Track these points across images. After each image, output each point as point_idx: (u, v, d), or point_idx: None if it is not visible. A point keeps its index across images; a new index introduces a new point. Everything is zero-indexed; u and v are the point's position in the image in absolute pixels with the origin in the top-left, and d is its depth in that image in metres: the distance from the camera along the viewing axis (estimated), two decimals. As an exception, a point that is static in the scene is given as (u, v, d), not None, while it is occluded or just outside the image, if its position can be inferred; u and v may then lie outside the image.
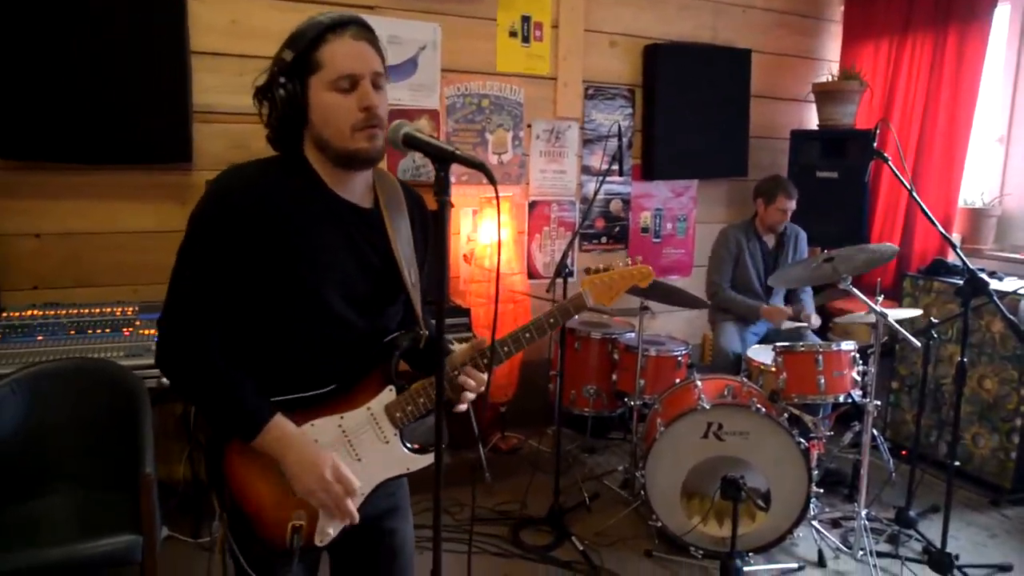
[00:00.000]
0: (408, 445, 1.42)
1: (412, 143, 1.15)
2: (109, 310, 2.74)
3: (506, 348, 1.43)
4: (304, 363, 1.34)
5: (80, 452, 2.25)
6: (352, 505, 1.31)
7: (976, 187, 3.93)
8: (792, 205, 3.52)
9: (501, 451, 3.61)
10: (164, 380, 2.47)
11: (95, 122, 2.79)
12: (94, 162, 2.86)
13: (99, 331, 2.64)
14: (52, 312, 2.67)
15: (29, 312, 2.66)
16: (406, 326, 1.47)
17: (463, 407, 1.42)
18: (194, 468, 2.97)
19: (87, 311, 2.71)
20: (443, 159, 1.08)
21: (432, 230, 1.50)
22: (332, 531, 1.36)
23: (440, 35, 3.44)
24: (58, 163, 2.81)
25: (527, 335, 1.44)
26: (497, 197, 1.07)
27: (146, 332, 2.68)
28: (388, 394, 1.39)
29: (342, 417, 1.36)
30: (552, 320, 1.46)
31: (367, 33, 1.28)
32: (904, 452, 3.59)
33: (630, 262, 1.53)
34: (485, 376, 1.41)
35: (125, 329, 2.68)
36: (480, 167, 1.07)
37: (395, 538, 1.53)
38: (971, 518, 3.13)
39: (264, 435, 1.27)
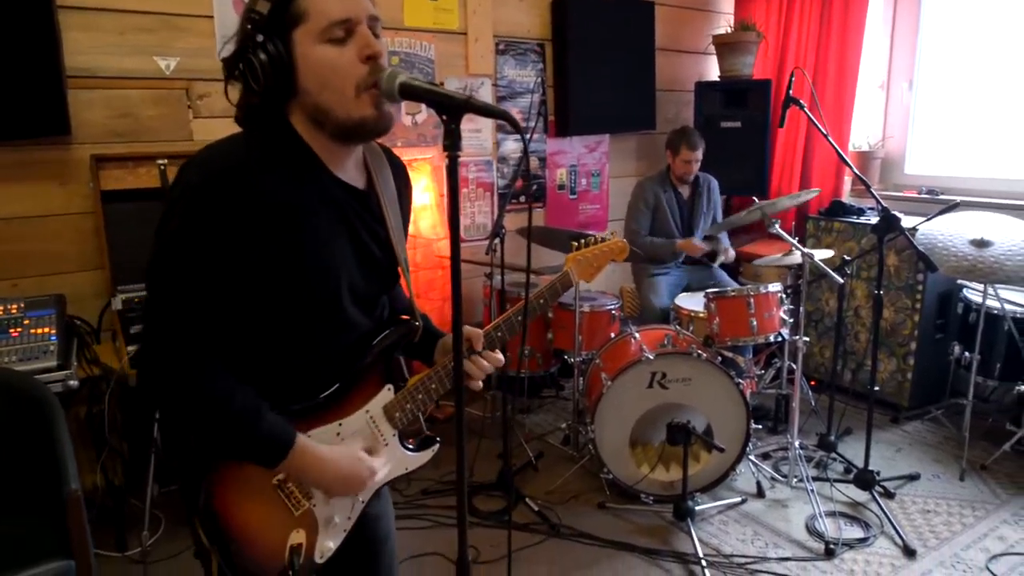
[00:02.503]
0: (407, 445, 1.34)
1: (412, 93, 1.02)
2: (-11, 309, 2.39)
3: (500, 333, 1.38)
4: (304, 370, 1.20)
5: (-17, 474, 1.96)
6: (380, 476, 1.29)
7: (861, 131, 4.20)
8: (696, 155, 3.61)
9: (438, 420, 3.53)
10: (71, 383, 2.24)
11: (-54, 92, 2.38)
12: (-50, 139, 2.45)
13: (-20, 334, 2.30)
14: (-82, 317, 2.29)
15: None
16: (396, 314, 1.37)
17: (477, 386, 1.34)
18: (107, 476, 2.70)
19: (-38, 313, 2.34)
20: (454, 110, 0.96)
21: (408, 199, 1.39)
22: (332, 544, 1.27)
23: (342, -13, 3.19)
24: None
25: (519, 318, 1.39)
26: (526, 151, 0.98)
27: (38, 331, 2.36)
28: (386, 394, 1.29)
29: (340, 424, 1.24)
30: (542, 301, 1.45)
31: None
32: (813, 382, 3.86)
33: (606, 237, 1.55)
34: (487, 362, 1.33)
35: (12, 330, 2.34)
36: (503, 116, 0.97)
37: (380, 524, 1.45)
38: (877, 435, 3.41)
39: (288, 462, 1.15)
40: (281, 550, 1.20)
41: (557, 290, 1.48)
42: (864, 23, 3.88)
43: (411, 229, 3.34)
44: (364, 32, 1.06)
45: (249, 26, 1.05)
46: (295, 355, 1.18)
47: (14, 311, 2.42)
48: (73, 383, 2.24)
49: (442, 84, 3.58)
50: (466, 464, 1.08)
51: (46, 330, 2.38)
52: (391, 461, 1.30)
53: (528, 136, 3.15)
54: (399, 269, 1.30)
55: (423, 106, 3.54)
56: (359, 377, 1.26)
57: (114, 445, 2.70)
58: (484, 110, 0.97)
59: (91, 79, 2.68)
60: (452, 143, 0.96)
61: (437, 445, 1.37)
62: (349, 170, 1.19)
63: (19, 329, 2.36)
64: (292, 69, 1.06)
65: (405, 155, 3.41)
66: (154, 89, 2.81)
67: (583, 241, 1.55)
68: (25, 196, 2.62)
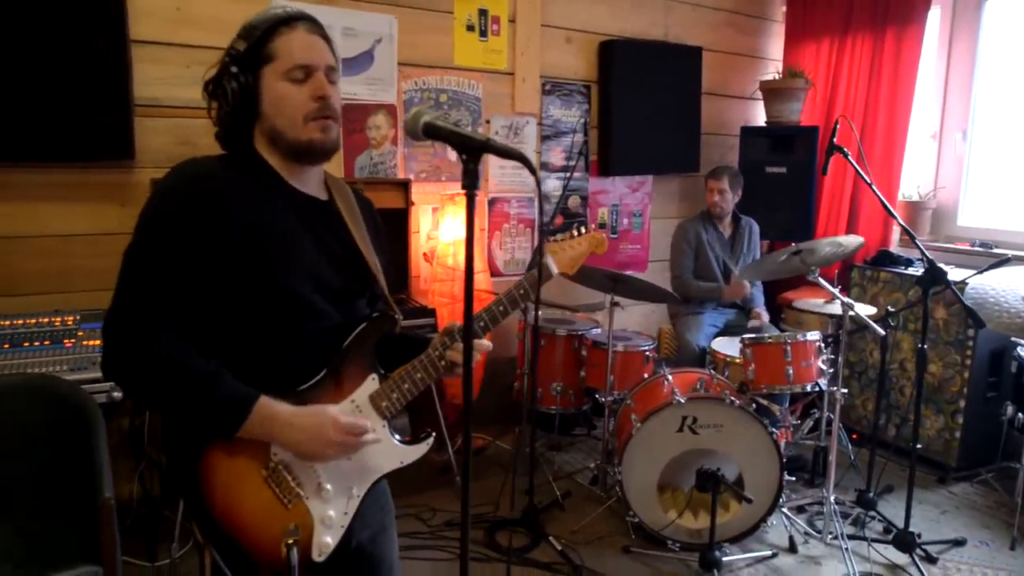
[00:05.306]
0: (398, 436, 1.37)
1: (434, 133, 1.07)
2: (47, 320, 2.52)
3: (482, 323, 1.40)
4: (280, 361, 1.26)
5: (26, 477, 2.04)
6: (370, 436, 1.29)
7: (912, 181, 4.12)
8: (719, 186, 3.61)
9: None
10: (116, 394, 2.33)
11: (25, 116, 2.55)
12: (24, 160, 2.62)
13: (37, 343, 2.42)
14: (-19, 324, 2.43)
15: (-46, 325, 2.42)
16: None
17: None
18: (145, 486, 2.78)
19: (21, 322, 2.48)
20: (473, 150, 1.01)
21: (383, 230, 1.49)
22: (331, 541, 1.28)
23: (396, 28, 3.34)
24: (-17, 160, 2.57)
25: (500, 308, 1.41)
26: (539, 188, 1.01)
27: (90, 343, 2.47)
28: (371, 383, 1.34)
29: None
30: (522, 291, 1.43)
31: (319, 29, 1.29)
32: (855, 435, 3.73)
33: (584, 231, 1.54)
34: (484, 342, 1.40)
35: (66, 340, 2.46)
36: (519, 157, 1.02)
37: (383, 563, 1.46)
38: (921, 496, 3.27)
39: (252, 418, 1.18)
40: (276, 545, 1.22)
41: (535, 279, 1.45)
42: (916, 72, 3.83)
43: (450, 262, 3.43)
44: (319, 78, 1.25)
45: (227, 59, 1.25)
46: (268, 347, 1.25)
47: (70, 323, 2.55)
48: (117, 395, 2.32)
49: (487, 122, 3.68)
50: (469, 488, 1.09)
51: (97, 343, 2.49)
52: (382, 452, 1.33)
53: (568, 176, 3.20)
54: (371, 271, 1.37)
55: (468, 142, 3.62)
56: (341, 366, 1.31)
57: (153, 457, 2.79)
58: (502, 151, 1.02)
59: (156, 108, 2.85)
60: (471, 182, 1.00)
61: (431, 439, 1.39)
62: (308, 185, 1.34)
63: (72, 340, 2.48)
64: (257, 97, 1.25)
65: (447, 189, 3.53)
66: (214, 119, 2.96)
67: (562, 235, 1.54)
68: (86, 214, 2.78)
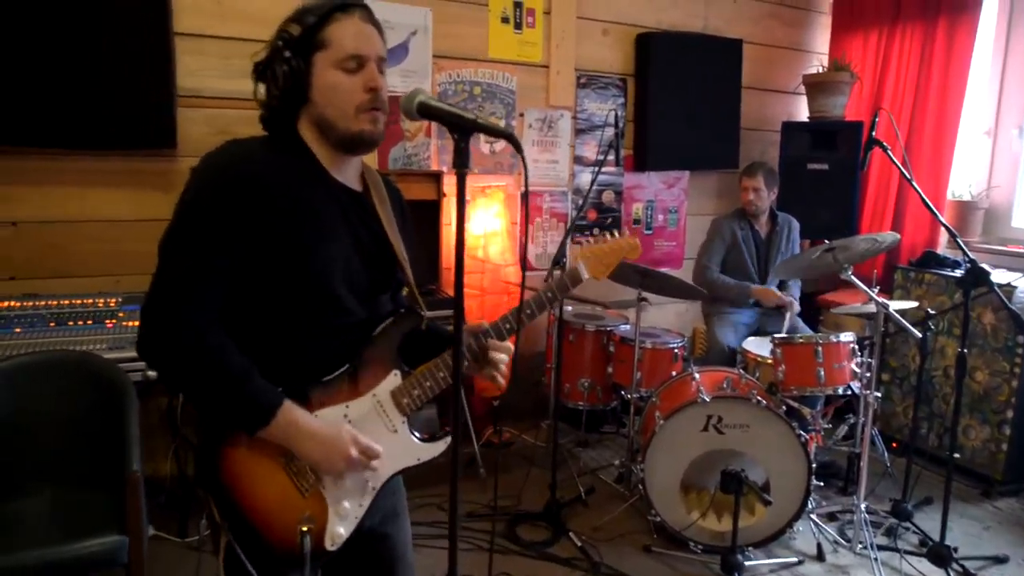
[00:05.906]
0: (416, 434, 1.36)
1: (427, 112, 1.08)
2: (91, 301, 2.63)
3: (508, 326, 1.39)
4: (304, 352, 1.26)
5: (61, 449, 2.15)
6: (376, 463, 1.29)
7: (964, 179, 3.95)
8: (754, 184, 3.51)
9: (494, 445, 3.55)
10: (150, 373, 2.41)
11: (74, 106, 2.67)
12: (73, 147, 2.74)
13: (80, 323, 2.54)
14: (30, 303, 2.55)
15: (6, 304, 2.54)
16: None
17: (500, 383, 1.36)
18: (180, 464, 2.88)
19: (67, 302, 2.60)
20: (463, 128, 1.02)
21: (410, 220, 1.47)
22: (343, 531, 1.29)
23: (431, 20, 3.36)
24: (35, 148, 2.69)
25: (528, 311, 1.40)
26: (525, 168, 1.02)
27: (130, 324, 2.58)
28: (393, 379, 1.33)
29: (347, 406, 1.29)
30: (550, 294, 1.43)
31: (373, 18, 1.28)
32: (895, 444, 3.60)
33: (618, 235, 1.51)
34: (500, 352, 1.37)
35: (108, 321, 2.57)
36: (506, 136, 1.02)
37: (396, 545, 1.47)
38: (963, 510, 3.14)
39: (275, 422, 1.19)
40: (291, 532, 1.23)
41: (566, 284, 1.46)
42: (968, 65, 3.67)
43: (480, 255, 3.45)
44: (372, 69, 1.24)
45: (280, 42, 1.22)
46: (294, 337, 1.25)
47: (112, 304, 2.66)
48: (152, 374, 2.41)
49: (521, 115, 3.68)
50: (457, 487, 1.10)
51: (137, 324, 2.59)
52: (399, 448, 1.33)
53: (596, 170, 3.18)
54: (400, 266, 1.37)
55: (501, 136, 3.63)
56: (365, 360, 1.31)
57: (188, 437, 2.88)
58: (490, 130, 1.03)
59: (197, 99, 2.94)
60: (462, 161, 1.01)
61: (449, 437, 1.38)
62: (347, 175, 1.32)
63: (114, 321, 2.59)
64: (308, 83, 1.23)
65: (480, 182, 3.55)
66: (251, 110, 3.03)
67: (593, 238, 1.52)
68: (131, 201, 2.89)
